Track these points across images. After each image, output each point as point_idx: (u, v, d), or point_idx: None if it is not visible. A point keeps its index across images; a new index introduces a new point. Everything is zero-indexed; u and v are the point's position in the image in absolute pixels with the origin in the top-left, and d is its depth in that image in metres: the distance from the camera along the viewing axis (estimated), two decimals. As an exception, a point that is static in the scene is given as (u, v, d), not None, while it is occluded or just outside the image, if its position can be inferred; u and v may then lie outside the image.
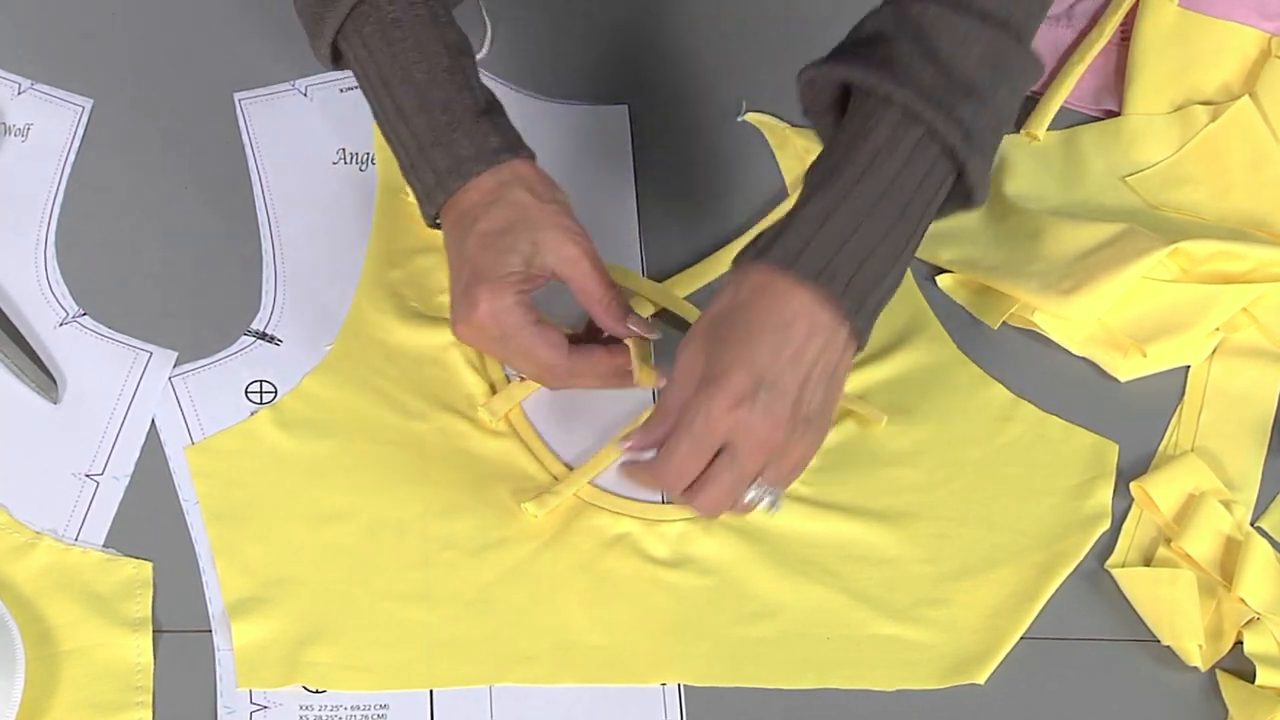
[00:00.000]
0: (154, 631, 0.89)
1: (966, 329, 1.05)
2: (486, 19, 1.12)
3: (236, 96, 1.06)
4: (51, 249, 1.00)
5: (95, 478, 0.93)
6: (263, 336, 0.98)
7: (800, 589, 0.94)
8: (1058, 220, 1.07)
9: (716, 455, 0.85)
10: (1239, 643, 0.94)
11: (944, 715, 0.92)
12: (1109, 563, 0.97)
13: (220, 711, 0.87)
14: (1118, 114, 1.14)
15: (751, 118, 1.11)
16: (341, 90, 1.07)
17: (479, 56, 1.10)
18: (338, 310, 0.99)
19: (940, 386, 1.02)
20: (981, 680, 0.92)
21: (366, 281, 1.00)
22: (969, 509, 0.98)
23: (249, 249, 1.01)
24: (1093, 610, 0.96)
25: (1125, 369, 1.03)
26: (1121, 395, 1.03)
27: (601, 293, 0.91)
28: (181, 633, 0.89)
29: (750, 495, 0.86)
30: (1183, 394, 1.04)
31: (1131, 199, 1.11)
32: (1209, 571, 0.96)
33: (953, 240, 1.07)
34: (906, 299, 1.05)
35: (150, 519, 0.92)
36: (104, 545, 0.91)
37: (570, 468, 0.96)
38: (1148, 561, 0.97)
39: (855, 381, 1.01)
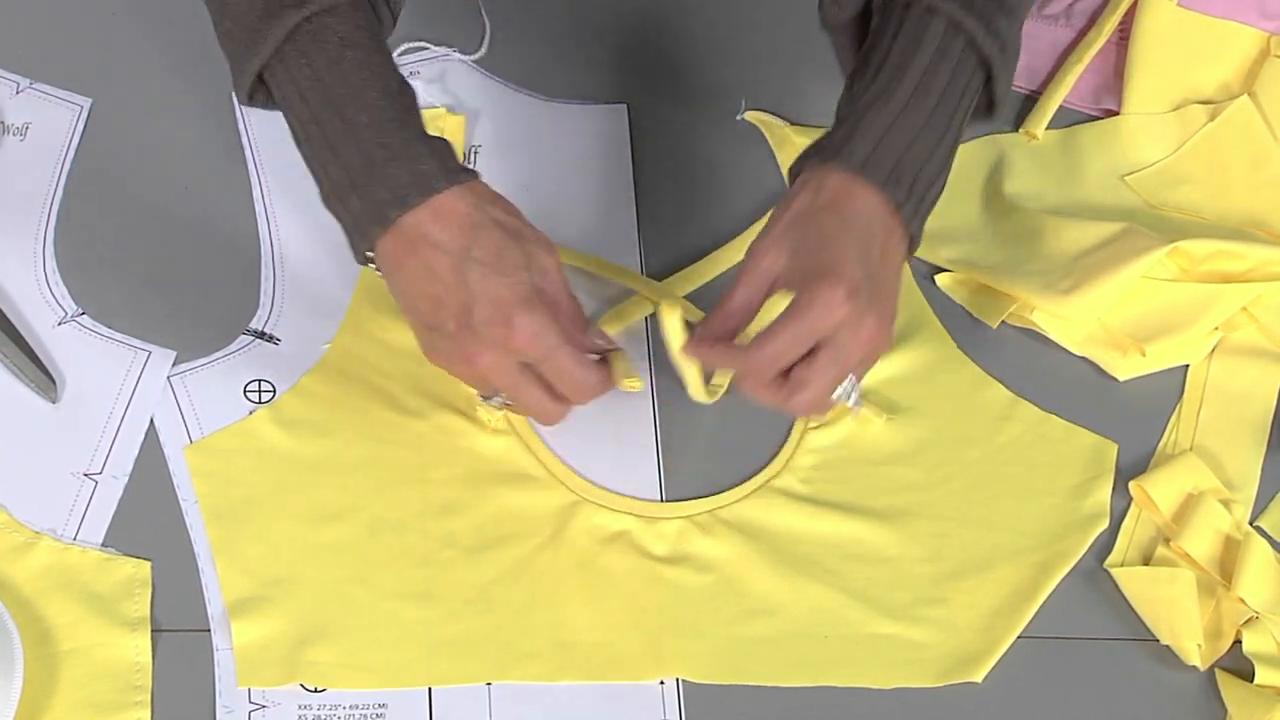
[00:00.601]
0: (153, 631, 0.89)
1: (966, 328, 1.05)
2: (486, 19, 1.12)
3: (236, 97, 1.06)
4: (50, 248, 1.00)
5: (94, 477, 0.93)
6: (262, 336, 0.98)
7: (799, 587, 0.94)
8: (1057, 220, 1.07)
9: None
10: (1238, 642, 0.94)
11: (942, 714, 0.92)
12: (1108, 562, 0.97)
13: (219, 711, 0.87)
14: (1117, 113, 1.14)
15: (751, 117, 1.11)
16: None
17: (478, 56, 1.10)
18: (336, 309, 0.99)
19: (940, 386, 1.02)
20: (980, 679, 0.92)
21: (365, 280, 1.00)
22: (968, 508, 0.98)
23: (248, 249, 1.01)
24: (1092, 610, 0.96)
25: (1124, 368, 1.03)
26: (1121, 394, 1.03)
27: (573, 305, 0.90)
28: (180, 632, 0.89)
29: (838, 392, 0.88)
30: (1182, 393, 1.04)
31: (1131, 198, 1.11)
32: (1208, 571, 0.96)
33: (952, 239, 1.07)
34: (906, 298, 1.05)
35: (149, 518, 0.92)
36: (103, 545, 0.91)
37: (570, 467, 0.96)
38: (1147, 561, 0.97)
39: (854, 381, 1.01)
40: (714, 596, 0.93)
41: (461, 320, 0.86)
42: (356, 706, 0.88)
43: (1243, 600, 0.95)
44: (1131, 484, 0.99)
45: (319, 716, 0.88)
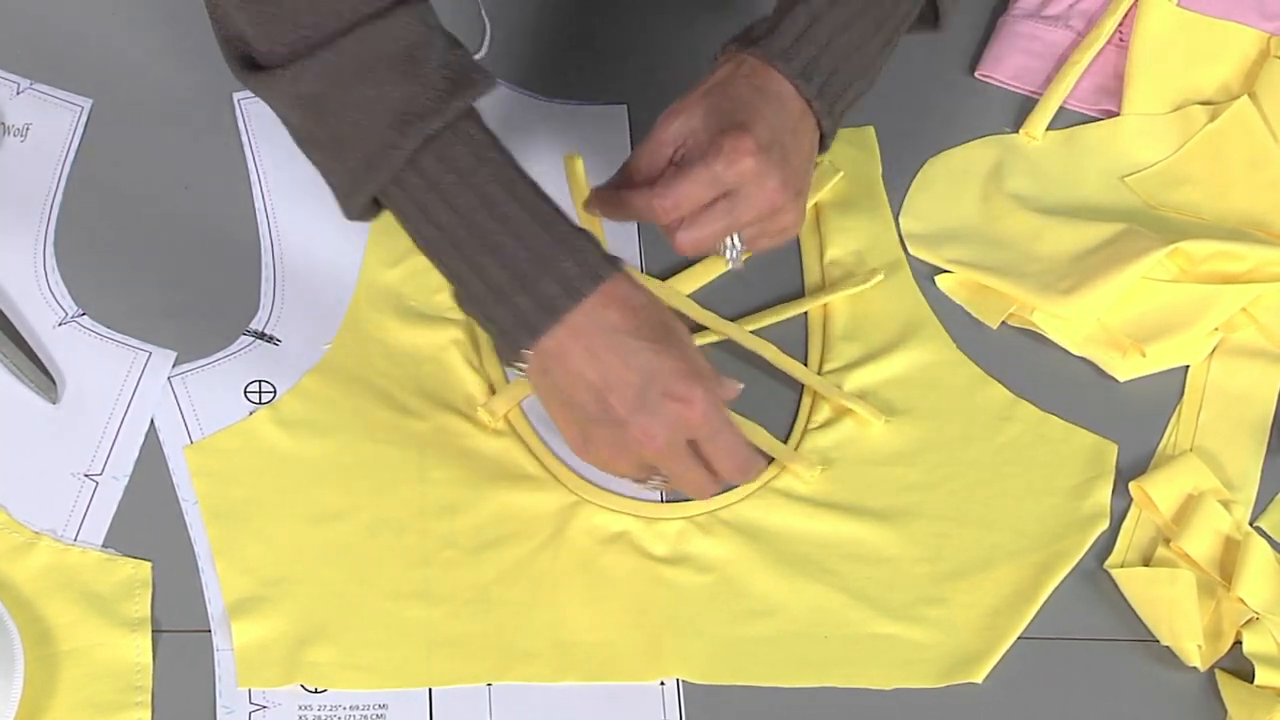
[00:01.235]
0: (153, 631, 0.89)
1: (966, 329, 1.05)
2: (486, 19, 1.12)
3: (236, 96, 1.06)
4: (50, 249, 1.00)
5: (94, 478, 0.93)
6: (262, 336, 0.98)
7: (799, 587, 0.94)
8: (1057, 220, 1.07)
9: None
10: (1238, 642, 0.94)
11: (942, 714, 0.92)
12: (1108, 563, 0.97)
13: (219, 711, 0.87)
14: (1116, 114, 1.14)
15: (751, 118, 1.11)
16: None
17: (478, 56, 1.10)
18: (337, 309, 0.99)
19: (939, 386, 1.02)
20: (980, 679, 0.92)
21: (365, 280, 1.00)
22: (968, 508, 0.98)
23: (249, 249, 1.01)
24: (1091, 610, 0.96)
25: (1124, 369, 1.03)
26: (1121, 395, 1.03)
27: (719, 383, 0.89)
28: (181, 632, 0.89)
29: (728, 244, 0.91)
30: (1182, 394, 1.04)
31: (1131, 199, 1.11)
32: (1208, 571, 0.96)
33: (952, 240, 1.07)
34: (906, 298, 1.05)
35: (149, 519, 0.92)
36: (103, 545, 0.91)
37: (570, 467, 0.96)
38: (1147, 561, 0.97)
39: (855, 381, 1.01)
40: (714, 597, 0.93)
41: (633, 403, 0.85)
42: (357, 707, 0.88)
43: (1243, 601, 0.95)
44: (1131, 484, 0.99)
45: (319, 717, 0.88)
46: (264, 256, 1.01)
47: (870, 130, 1.11)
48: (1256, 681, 0.92)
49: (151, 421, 0.95)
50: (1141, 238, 1.03)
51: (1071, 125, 1.13)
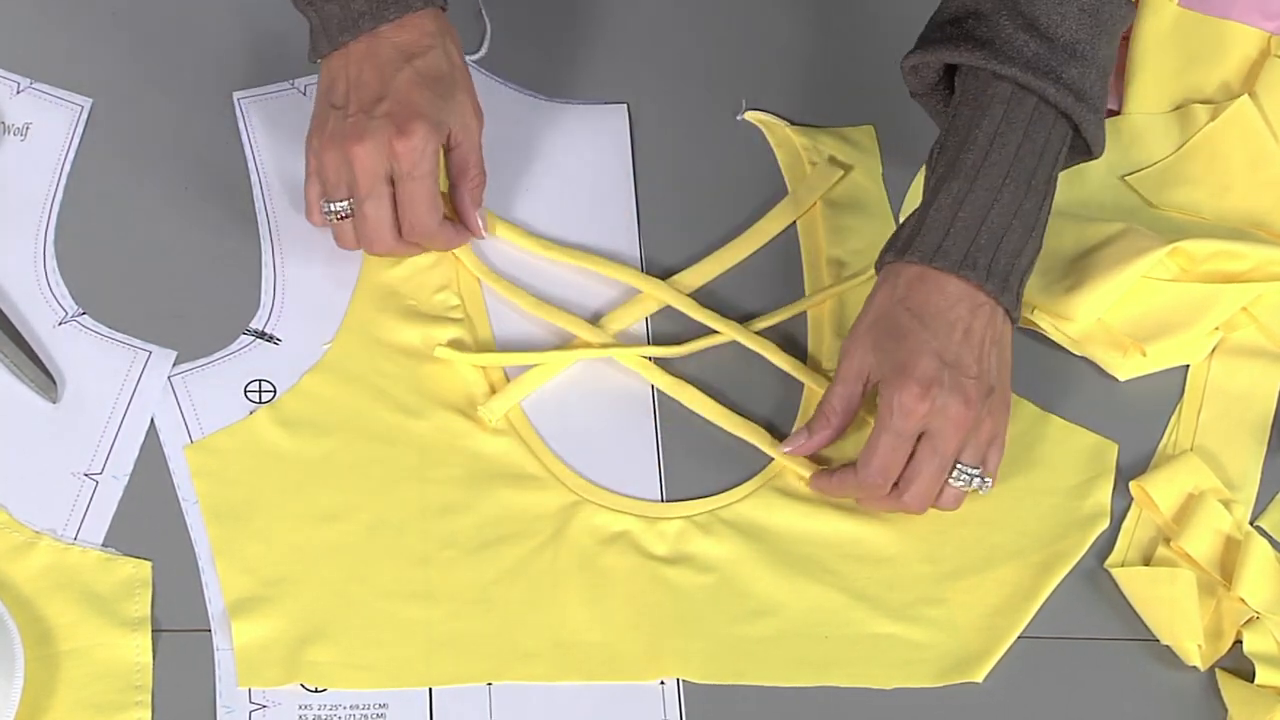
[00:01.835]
0: (153, 631, 0.89)
1: (966, 328, 1.04)
2: (486, 18, 1.12)
3: (236, 96, 1.06)
4: (50, 248, 1.00)
5: (94, 477, 0.93)
6: (262, 336, 0.98)
7: (799, 587, 0.94)
8: (1057, 219, 1.06)
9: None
10: (1238, 642, 0.94)
11: (942, 714, 0.92)
12: (1108, 562, 0.97)
13: (219, 711, 0.87)
14: (1117, 113, 1.14)
15: (751, 117, 1.11)
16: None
17: (478, 55, 1.10)
18: (336, 309, 0.99)
19: (940, 386, 1.02)
20: (980, 679, 0.92)
21: (365, 280, 1.00)
22: (968, 508, 0.97)
23: (249, 249, 1.01)
24: (1092, 610, 0.96)
25: (1125, 368, 1.03)
26: (1121, 394, 1.03)
27: (476, 171, 0.95)
28: (181, 632, 0.89)
29: (958, 483, 0.91)
30: (1182, 393, 1.04)
31: (1131, 198, 1.11)
32: (1208, 571, 0.96)
33: (952, 240, 1.07)
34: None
35: (149, 518, 0.92)
36: (103, 545, 0.91)
37: (570, 467, 0.96)
38: (1147, 561, 0.97)
39: (854, 381, 1.01)
40: (714, 597, 0.93)
41: (366, 106, 0.91)
42: (357, 707, 0.88)
43: (1243, 600, 0.95)
44: (1132, 484, 0.99)
45: (319, 717, 0.88)
46: (264, 256, 1.01)
47: (870, 130, 1.11)
48: (1257, 681, 0.92)
49: (151, 421, 0.95)
50: (1142, 237, 1.03)
51: (1072, 125, 1.13)
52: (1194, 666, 0.94)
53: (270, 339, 0.98)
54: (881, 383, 0.91)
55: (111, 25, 1.09)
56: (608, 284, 1.03)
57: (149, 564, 0.90)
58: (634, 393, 0.99)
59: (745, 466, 0.98)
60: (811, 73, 1.13)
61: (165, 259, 1.00)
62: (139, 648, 0.88)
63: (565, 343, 1.00)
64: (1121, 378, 1.04)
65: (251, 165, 1.04)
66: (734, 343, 1.01)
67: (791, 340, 1.02)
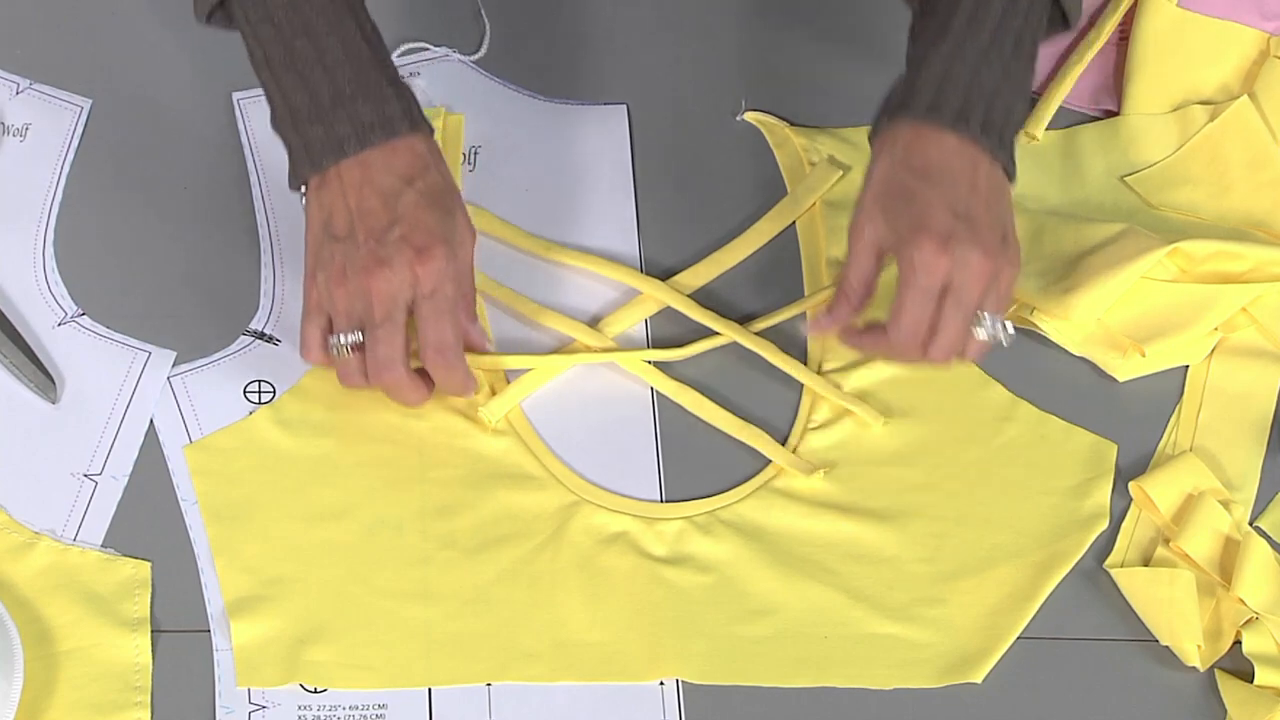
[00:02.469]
0: (152, 631, 0.89)
1: (965, 329, 1.05)
2: (486, 19, 1.12)
3: (236, 96, 1.06)
4: (50, 249, 1.00)
5: (94, 477, 0.93)
6: (261, 336, 0.98)
7: (798, 587, 0.94)
8: (1057, 220, 1.07)
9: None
10: (1238, 642, 0.94)
11: (941, 714, 0.92)
12: (1107, 562, 0.97)
13: (219, 711, 0.87)
14: (1116, 114, 1.14)
15: (751, 117, 1.11)
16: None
17: (478, 56, 1.10)
18: (336, 310, 0.99)
19: (940, 386, 1.02)
20: (979, 680, 0.92)
21: (365, 281, 1.00)
22: (968, 508, 0.98)
23: (248, 249, 1.01)
24: (1091, 610, 0.96)
25: (1124, 369, 1.03)
26: (1120, 395, 1.03)
27: (471, 296, 0.93)
28: (180, 632, 0.89)
29: (982, 333, 0.91)
30: (1181, 394, 1.04)
31: (1130, 199, 1.11)
32: (1208, 571, 0.96)
33: (952, 240, 1.07)
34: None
35: (149, 518, 0.92)
36: (102, 545, 0.91)
37: (570, 468, 0.96)
38: (1146, 561, 0.97)
39: (854, 381, 1.01)
40: (714, 597, 0.93)
41: (377, 234, 0.88)
42: (356, 707, 0.88)
43: (1242, 601, 0.95)
44: (1131, 484, 0.99)
45: (319, 717, 0.88)
46: (264, 257, 1.01)
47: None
48: (1256, 681, 0.92)
49: (151, 421, 0.95)
50: (1141, 237, 1.03)
51: (1071, 125, 1.13)
52: (1193, 667, 0.94)
53: (270, 339, 0.98)
54: (899, 245, 0.90)
55: (111, 25, 1.09)
56: (607, 284, 1.03)
57: (148, 564, 0.91)
58: (633, 393, 0.99)
59: (744, 467, 0.98)
60: (811, 73, 1.13)
61: (165, 259, 1.01)
62: (138, 648, 0.88)
63: (565, 346, 1.00)
64: (1121, 378, 1.04)
65: (251, 165, 1.04)
66: (733, 344, 1.01)
67: (791, 340, 1.02)
